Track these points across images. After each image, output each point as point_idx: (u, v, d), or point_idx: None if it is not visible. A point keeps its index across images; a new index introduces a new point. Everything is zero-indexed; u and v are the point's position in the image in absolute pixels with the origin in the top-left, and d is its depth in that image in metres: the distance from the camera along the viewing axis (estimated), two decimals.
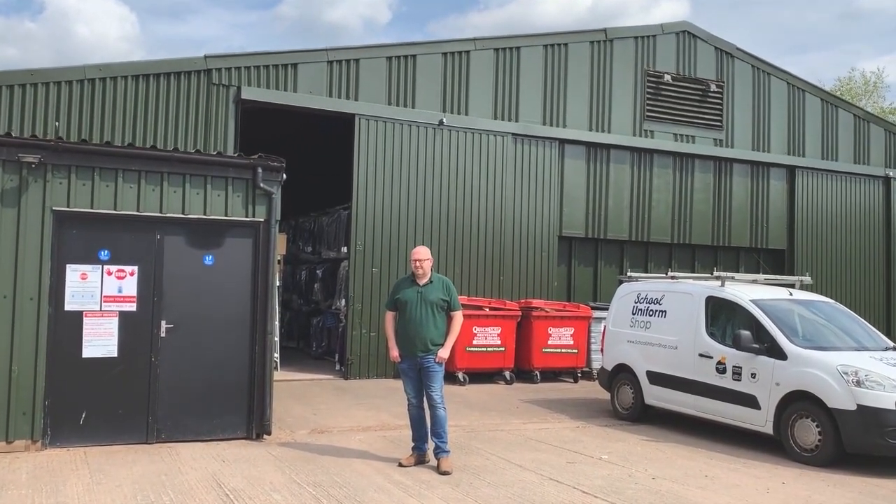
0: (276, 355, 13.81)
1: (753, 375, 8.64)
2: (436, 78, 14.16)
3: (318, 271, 16.26)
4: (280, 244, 14.60)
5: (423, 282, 7.48)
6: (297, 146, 18.18)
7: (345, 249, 14.18)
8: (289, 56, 13.25)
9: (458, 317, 7.60)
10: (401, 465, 7.42)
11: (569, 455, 8.17)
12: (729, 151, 17.00)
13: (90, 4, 68.02)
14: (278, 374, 13.33)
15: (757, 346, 8.63)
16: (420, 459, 7.52)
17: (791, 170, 17.74)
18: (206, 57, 12.63)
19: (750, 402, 8.62)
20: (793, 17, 67.06)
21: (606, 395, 11.45)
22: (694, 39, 16.74)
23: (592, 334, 14.02)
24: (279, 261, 14.82)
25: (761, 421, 8.51)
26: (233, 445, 8.07)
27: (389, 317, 7.70)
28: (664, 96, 16.35)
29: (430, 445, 7.50)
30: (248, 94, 12.75)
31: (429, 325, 7.36)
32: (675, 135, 16.47)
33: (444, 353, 7.42)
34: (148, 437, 7.99)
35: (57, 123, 11.68)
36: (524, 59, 14.95)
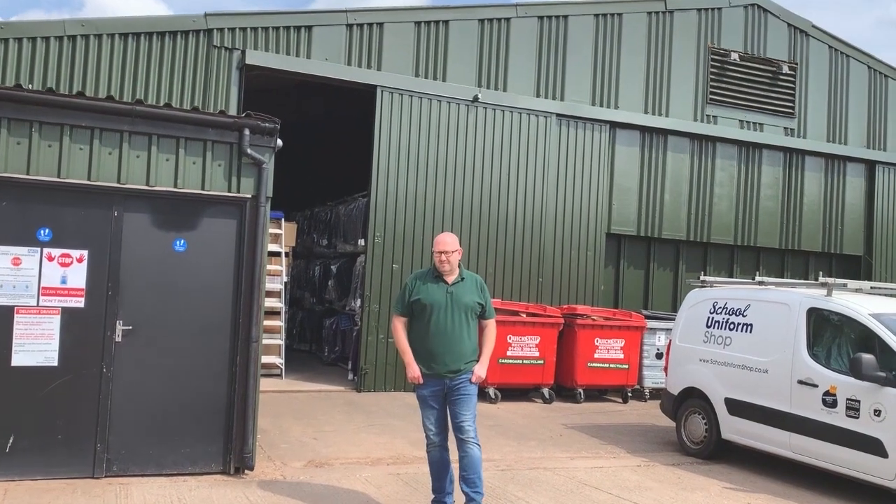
0: (281, 361, 12.15)
1: (877, 413, 6.66)
2: (471, 47, 12.30)
3: (332, 267, 14.48)
4: (289, 234, 12.91)
5: (451, 279, 5.65)
6: (314, 129, 16.51)
7: (362, 242, 12.39)
8: (302, 17, 11.47)
9: (494, 326, 5.84)
10: None
11: None
12: (801, 142, 14.93)
13: (129, 2, 67.19)
14: (282, 384, 11.64)
15: (884, 374, 6.65)
16: None
17: (871, 165, 15.61)
18: (206, 15, 10.90)
19: (872, 446, 6.64)
20: (830, 23, 64.52)
21: (664, 421, 9.56)
22: (764, 14, 14.69)
23: (645, 347, 12.09)
24: (287, 253, 13.13)
25: (889, 473, 6.53)
26: (203, 484, 6.29)
27: (400, 325, 5.80)
28: (730, 77, 14.32)
29: (460, 498, 5.65)
30: (254, 58, 10.99)
31: (462, 336, 5.56)
32: (740, 121, 14.45)
33: (482, 370, 5.62)
34: (95, 471, 6.23)
35: (30, 86, 10.02)
36: (572, 30, 13.03)
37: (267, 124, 6.52)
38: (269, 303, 11.79)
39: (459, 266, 5.75)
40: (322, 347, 14.67)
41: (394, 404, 10.53)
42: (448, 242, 5.67)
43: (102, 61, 10.36)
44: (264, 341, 11.09)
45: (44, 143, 6.08)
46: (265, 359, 11.37)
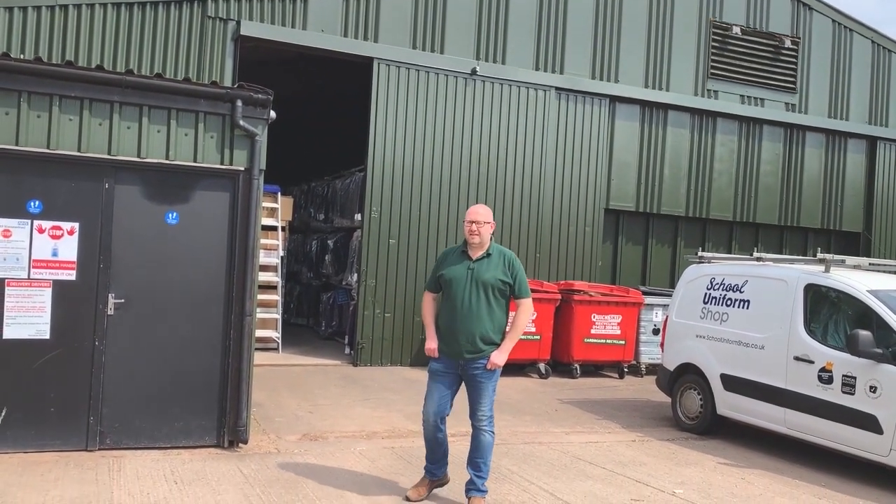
0: (278, 335, 12.13)
1: (873, 389, 6.64)
2: (469, 19, 12.13)
3: (329, 242, 14.43)
4: (285, 208, 12.83)
5: (476, 255, 5.43)
6: (312, 102, 16.34)
7: (359, 217, 12.31)
8: None
9: (527, 306, 5.49)
10: (408, 499, 5.55)
11: (631, 487, 6.26)
12: (802, 118, 14.79)
13: None
14: (278, 358, 11.64)
15: (880, 350, 6.62)
16: (433, 485, 5.63)
17: (872, 141, 15.49)
18: None
19: (868, 423, 6.63)
20: None
21: (660, 396, 9.56)
22: None
23: (642, 323, 12.06)
24: (284, 227, 13.05)
25: (884, 449, 6.53)
26: (196, 457, 6.28)
27: (428, 298, 5.64)
28: (731, 52, 14.15)
29: (462, 476, 5.63)
30: (249, 29, 10.84)
31: (481, 315, 5.31)
32: (741, 96, 14.30)
33: (499, 358, 5.36)
34: (88, 444, 6.22)
35: (22, 55, 9.88)
36: (572, 1, 12.83)
37: (260, 96, 6.42)
38: (266, 277, 11.75)
39: (491, 241, 5.51)
40: (319, 322, 14.66)
41: (390, 378, 10.53)
42: (480, 213, 5.43)
43: (95, 31, 10.21)
44: (261, 315, 11.12)
45: (32, 113, 5.98)
46: (262, 333, 11.39)
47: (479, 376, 5.36)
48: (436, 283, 5.59)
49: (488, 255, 5.44)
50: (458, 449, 6.08)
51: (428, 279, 5.82)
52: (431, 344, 5.48)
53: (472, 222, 5.40)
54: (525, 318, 5.51)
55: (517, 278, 5.44)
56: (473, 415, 5.43)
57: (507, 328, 5.48)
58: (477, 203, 11.90)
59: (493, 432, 5.46)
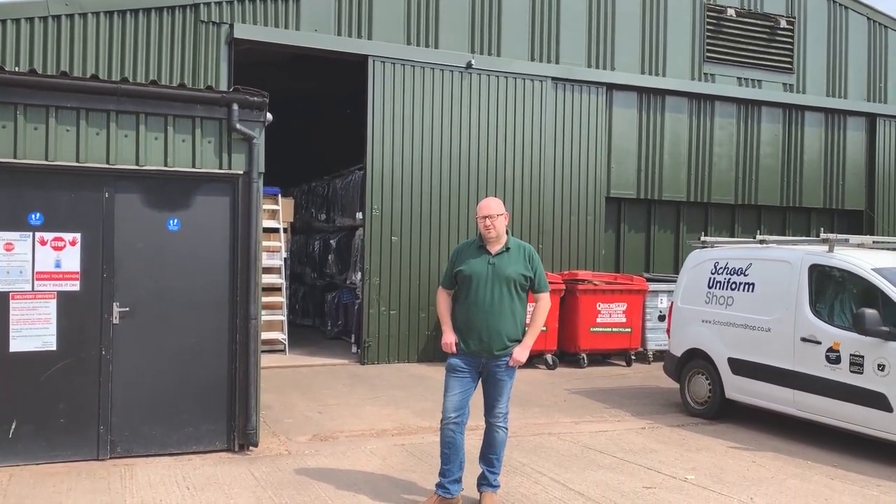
0: (284, 336, 12.14)
1: (881, 367, 6.63)
2: (463, 12, 12.09)
3: (331, 241, 14.42)
4: (286, 210, 12.82)
5: (495, 249, 5.30)
6: (309, 103, 16.34)
7: (360, 215, 12.31)
8: None
9: (546, 299, 5.42)
10: None
11: (643, 474, 6.26)
12: (800, 98, 14.73)
13: None
14: (286, 359, 11.66)
15: (887, 328, 6.60)
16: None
17: (871, 118, 15.43)
18: None
19: (877, 401, 6.62)
20: None
21: (668, 382, 9.55)
22: None
23: (648, 310, 12.05)
24: (286, 229, 13.05)
25: (893, 426, 6.52)
26: (207, 462, 6.29)
27: (444, 295, 5.47)
28: (726, 34, 14.08)
29: (474, 479, 5.58)
30: (242, 32, 10.82)
31: (504, 312, 5.19)
32: (738, 79, 14.24)
33: (522, 354, 5.23)
34: (99, 453, 6.24)
35: (17, 68, 9.88)
36: None
37: (255, 98, 6.41)
38: (270, 279, 11.76)
39: (508, 234, 5.37)
40: (325, 322, 14.67)
41: (397, 376, 10.54)
42: (492, 206, 5.26)
43: (88, 40, 10.20)
44: (266, 317, 11.13)
45: (29, 125, 5.98)
46: (268, 335, 11.40)
47: (500, 373, 5.26)
48: (452, 279, 5.40)
49: (507, 248, 5.30)
50: (469, 443, 6.07)
51: (443, 276, 5.63)
52: (449, 338, 5.29)
53: (486, 217, 5.23)
54: (545, 312, 5.41)
55: (537, 272, 5.36)
56: (490, 412, 5.35)
57: (527, 322, 5.39)
58: (479, 196, 12.01)
59: (507, 428, 5.40)
